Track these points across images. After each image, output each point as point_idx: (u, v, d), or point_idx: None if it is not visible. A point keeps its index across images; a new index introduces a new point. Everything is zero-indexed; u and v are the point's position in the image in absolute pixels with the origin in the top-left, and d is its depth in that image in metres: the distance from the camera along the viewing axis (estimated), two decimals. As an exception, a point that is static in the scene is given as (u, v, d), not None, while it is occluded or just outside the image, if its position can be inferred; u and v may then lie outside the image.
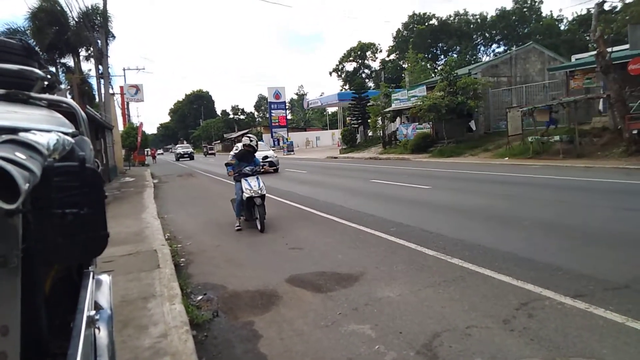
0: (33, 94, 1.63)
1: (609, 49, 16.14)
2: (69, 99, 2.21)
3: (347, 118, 44.16)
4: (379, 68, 70.82)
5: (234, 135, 79.75)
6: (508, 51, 36.96)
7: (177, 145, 62.62)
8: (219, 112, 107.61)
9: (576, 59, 24.35)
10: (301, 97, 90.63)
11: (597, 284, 4.20)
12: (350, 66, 76.66)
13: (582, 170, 13.32)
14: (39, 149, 0.97)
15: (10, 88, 1.45)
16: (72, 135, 1.72)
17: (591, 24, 19.10)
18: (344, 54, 76.52)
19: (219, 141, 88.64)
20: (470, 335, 3.41)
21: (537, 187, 10.99)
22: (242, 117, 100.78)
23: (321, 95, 61.88)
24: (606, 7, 19.67)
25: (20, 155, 0.89)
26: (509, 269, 4.79)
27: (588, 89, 19.72)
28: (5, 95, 1.38)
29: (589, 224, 6.70)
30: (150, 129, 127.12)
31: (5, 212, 0.85)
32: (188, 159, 51.07)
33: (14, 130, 1.00)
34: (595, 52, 18.10)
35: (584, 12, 49.50)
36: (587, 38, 43.60)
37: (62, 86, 17.73)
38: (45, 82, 1.93)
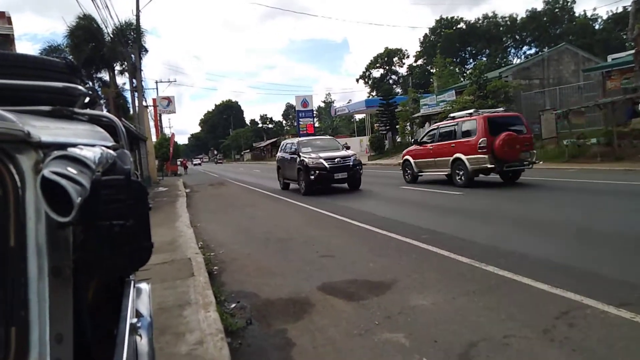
0: (76, 110, 1.70)
1: (648, 48, 15.56)
2: (109, 114, 2.29)
3: (375, 125, 43.93)
4: (406, 74, 70.42)
5: (263, 143, 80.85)
6: (540, 53, 36.12)
7: (295, 141, 16.19)
8: (247, 122, 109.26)
9: (612, 59, 23.57)
10: (328, 104, 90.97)
11: (642, 293, 4.03)
12: (377, 72, 76.65)
13: (622, 174, 12.83)
14: (87, 164, 1.01)
15: (56, 104, 1.52)
16: (114, 148, 1.78)
17: (628, 22, 18.47)
18: (371, 60, 76.70)
19: (248, 150, 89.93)
20: (508, 345, 3.31)
21: (573, 191, 10.65)
22: (270, 125, 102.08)
23: (348, 103, 61.92)
24: (644, 4, 18.90)
25: (71, 170, 0.93)
26: (547, 276, 4.64)
27: (626, 89, 19.04)
28: (52, 112, 1.45)
29: (630, 229, 6.44)
30: (182, 139, 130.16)
31: (59, 224, 0.89)
32: (344, 176, 14.17)
33: (64, 146, 1.04)
34: (633, 51, 17.47)
35: (620, 10, 47.88)
36: (624, 37, 42.06)
37: (102, 101, 18.38)
38: (87, 98, 2.02)
